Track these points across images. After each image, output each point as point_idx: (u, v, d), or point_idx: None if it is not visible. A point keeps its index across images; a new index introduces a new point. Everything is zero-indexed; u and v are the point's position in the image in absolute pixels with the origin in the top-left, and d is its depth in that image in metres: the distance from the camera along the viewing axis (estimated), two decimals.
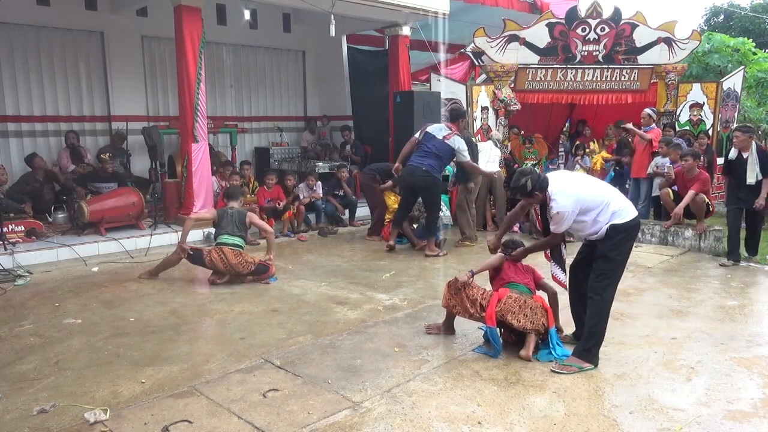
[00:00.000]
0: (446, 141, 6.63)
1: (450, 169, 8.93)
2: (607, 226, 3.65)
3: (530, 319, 3.77)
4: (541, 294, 4.09)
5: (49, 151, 8.39)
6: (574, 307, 4.05)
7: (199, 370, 3.59)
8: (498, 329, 3.88)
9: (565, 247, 4.04)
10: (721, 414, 3.11)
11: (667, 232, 7.26)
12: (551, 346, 3.82)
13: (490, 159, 7.90)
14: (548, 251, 4.06)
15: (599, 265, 3.72)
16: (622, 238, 3.66)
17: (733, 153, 6.43)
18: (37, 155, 7.87)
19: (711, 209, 6.94)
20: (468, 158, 6.76)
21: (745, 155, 6.27)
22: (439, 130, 6.72)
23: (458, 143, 6.65)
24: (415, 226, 7.29)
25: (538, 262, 4.55)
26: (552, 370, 3.59)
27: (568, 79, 9.52)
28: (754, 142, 6.27)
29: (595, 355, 3.68)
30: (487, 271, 4.20)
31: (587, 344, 3.68)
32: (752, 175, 6.25)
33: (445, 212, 7.19)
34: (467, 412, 3.09)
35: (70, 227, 7.09)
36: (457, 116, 6.92)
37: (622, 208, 3.70)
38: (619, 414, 3.10)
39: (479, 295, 3.90)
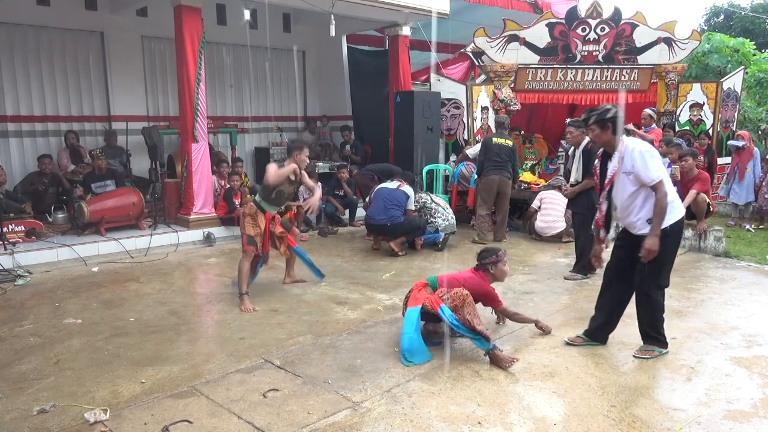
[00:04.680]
0: (401, 189, 6.86)
1: (450, 169, 8.95)
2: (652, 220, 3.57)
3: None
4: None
5: (49, 152, 8.36)
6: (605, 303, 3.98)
7: (199, 370, 3.59)
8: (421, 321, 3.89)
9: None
10: (721, 414, 3.11)
11: None
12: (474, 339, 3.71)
13: None
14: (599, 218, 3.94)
15: (645, 266, 3.64)
16: (671, 240, 3.64)
17: (572, 150, 5.80)
18: (48, 156, 7.88)
19: (711, 209, 6.93)
20: (413, 207, 6.92)
21: (577, 153, 5.61)
22: (390, 182, 7.03)
23: (409, 191, 6.89)
24: None
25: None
26: (634, 356, 3.80)
27: (568, 79, 9.53)
28: (587, 139, 5.40)
29: (663, 340, 3.87)
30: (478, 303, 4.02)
31: (654, 332, 3.85)
32: (575, 175, 5.57)
33: (449, 216, 7.14)
34: (467, 412, 3.09)
35: (70, 227, 7.09)
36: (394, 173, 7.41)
37: (676, 201, 3.70)
38: (619, 414, 3.10)
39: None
